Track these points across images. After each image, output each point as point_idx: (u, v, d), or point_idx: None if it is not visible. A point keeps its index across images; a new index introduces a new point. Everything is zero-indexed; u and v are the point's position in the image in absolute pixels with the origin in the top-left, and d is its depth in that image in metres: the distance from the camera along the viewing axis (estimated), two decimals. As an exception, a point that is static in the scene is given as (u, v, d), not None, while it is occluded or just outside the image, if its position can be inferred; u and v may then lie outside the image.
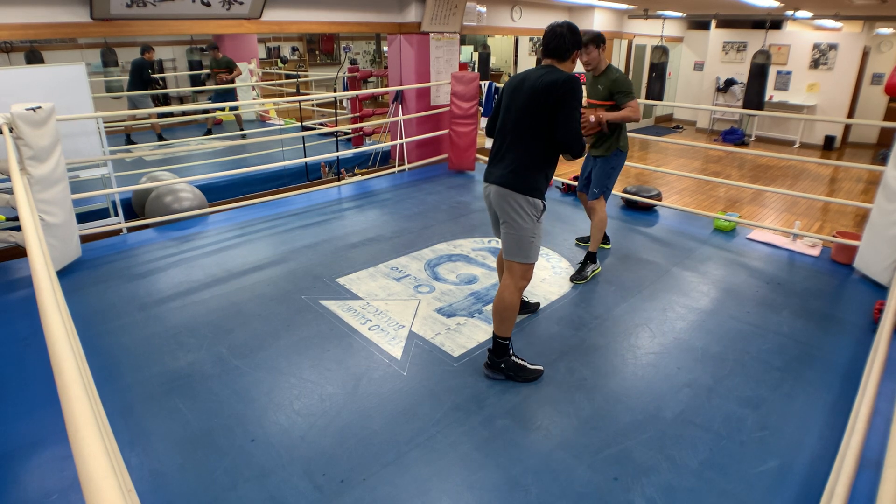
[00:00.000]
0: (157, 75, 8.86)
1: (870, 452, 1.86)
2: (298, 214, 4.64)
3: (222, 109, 8.04)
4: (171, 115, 7.92)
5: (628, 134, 3.49)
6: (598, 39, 3.17)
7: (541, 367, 2.48)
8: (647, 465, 1.95)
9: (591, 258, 3.47)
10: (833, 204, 6.18)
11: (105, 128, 4.30)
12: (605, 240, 3.94)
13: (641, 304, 3.13)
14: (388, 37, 6.15)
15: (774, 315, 3.04)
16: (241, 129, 7.87)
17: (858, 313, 3.07)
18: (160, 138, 7.39)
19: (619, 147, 3.39)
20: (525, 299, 3.01)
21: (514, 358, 2.42)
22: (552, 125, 2.18)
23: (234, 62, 7.87)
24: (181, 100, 9.89)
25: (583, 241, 4.05)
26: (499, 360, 2.41)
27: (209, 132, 8.10)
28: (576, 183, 4.30)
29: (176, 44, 9.73)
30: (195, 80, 9.15)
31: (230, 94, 7.99)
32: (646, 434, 2.11)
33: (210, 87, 8.45)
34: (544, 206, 2.29)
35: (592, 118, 3.10)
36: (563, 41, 2.23)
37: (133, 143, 7.29)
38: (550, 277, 3.45)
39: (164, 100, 9.44)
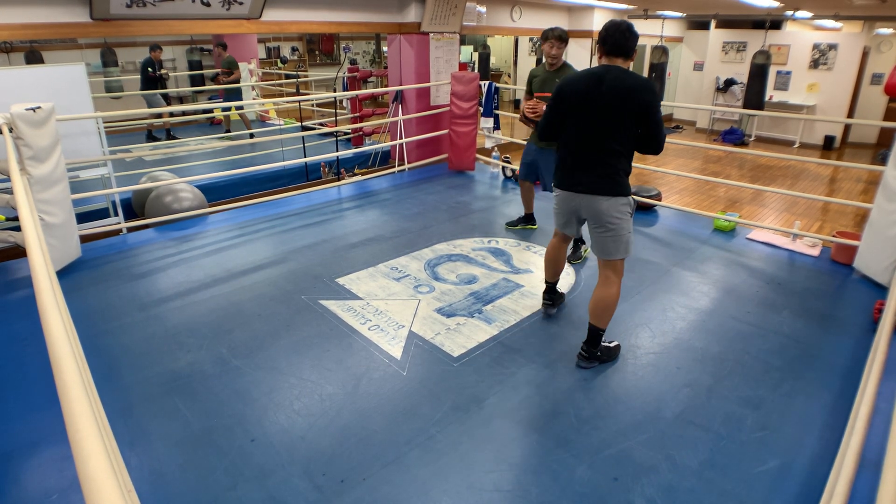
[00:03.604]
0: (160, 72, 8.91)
1: (870, 452, 1.86)
2: (298, 214, 4.64)
3: (230, 108, 8.05)
4: (171, 115, 7.95)
5: None
6: (567, 36, 3.50)
7: (618, 342, 2.65)
8: (647, 465, 1.95)
9: (582, 240, 3.73)
10: (833, 204, 6.18)
11: (105, 128, 4.30)
12: (532, 220, 4.29)
13: (641, 304, 3.13)
14: (388, 37, 6.15)
15: (774, 315, 3.04)
16: (248, 129, 7.83)
17: (858, 313, 3.07)
18: (169, 135, 7.69)
19: None
20: (561, 291, 3.14)
21: (603, 343, 2.55)
22: (640, 126, 2.21)
23: (235, 63, 7.82)
24: (181, 100, 9.89)
25: (513, 224, 4.30)
26: (595, 349, 2.50)
27: (228, 132, 8.06)
28: None
29: (176, 44, 9.72)
30: (195, 80, 9.15)
31: (235, 94, 7.97)
32: (646, 434, 2.11)
33: (210, 87, 8.46)
34: (635, 200, 2.39)
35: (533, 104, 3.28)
36: (631, 38, 2.21)
37: (156, 139, 7.54)
38: (550, 277, 3.45)
39: (164, 99, 9.44)
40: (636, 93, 2.15)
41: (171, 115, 7.92)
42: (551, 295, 2.94)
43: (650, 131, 2.22)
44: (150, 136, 7.63)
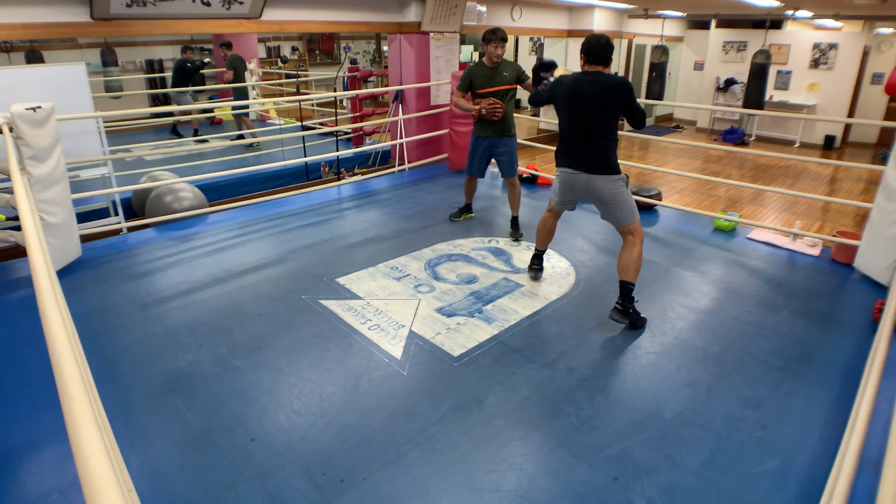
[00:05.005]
0: (157, 75, 8.95)
1: (870, 452, 1.86)
2: (298, 214, 4.64)
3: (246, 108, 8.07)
4: (170, 114, 7.96)
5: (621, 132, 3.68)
6: (507, 36, 3.88)
7: (646, 316, 2.94)
8: (647, 465, 1.95)
9: (517, 221, 4.14)
10: (833, 204, 6.18)
11: (105, 127, 4.30)
12: (470, 209, 4.54)
13: (641, 304, 3.12)
14: (388, 36, 6.15)
15: (774, 315, 3.04)
16: (250, 129, 7.79)
17: (858, 313, 3.07)
18: (195, 133, 7.91)
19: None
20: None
21: (635, 304, 2.88)
22: (624, 112, 2.76)
23: (232, 62, 7.74)
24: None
25: (456, 216, 4.49)
26: (629, 304, 2.83)
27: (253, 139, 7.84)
28: None
29: (176, 43, 9.72)
30: (195, 80, 9.14)
31: (240, 94, 7.95)
32: (646, 434, 2.11)
33: (209, 87, 8.46)
34: (626, 175, 2.88)
35: (491, 102, 3.86)
36: (609, 50, 2.74)
37: (180, 135, 7.78)
38: (550, 277, 3.45)
39: (164, 99, 9.46)
40: (613, 90, 2.71)
41: (160, 115, 8.08)
42: (539, 261, 3.42)
43: (631, 112, 2.76)
44: (178, 133, 7.90)
